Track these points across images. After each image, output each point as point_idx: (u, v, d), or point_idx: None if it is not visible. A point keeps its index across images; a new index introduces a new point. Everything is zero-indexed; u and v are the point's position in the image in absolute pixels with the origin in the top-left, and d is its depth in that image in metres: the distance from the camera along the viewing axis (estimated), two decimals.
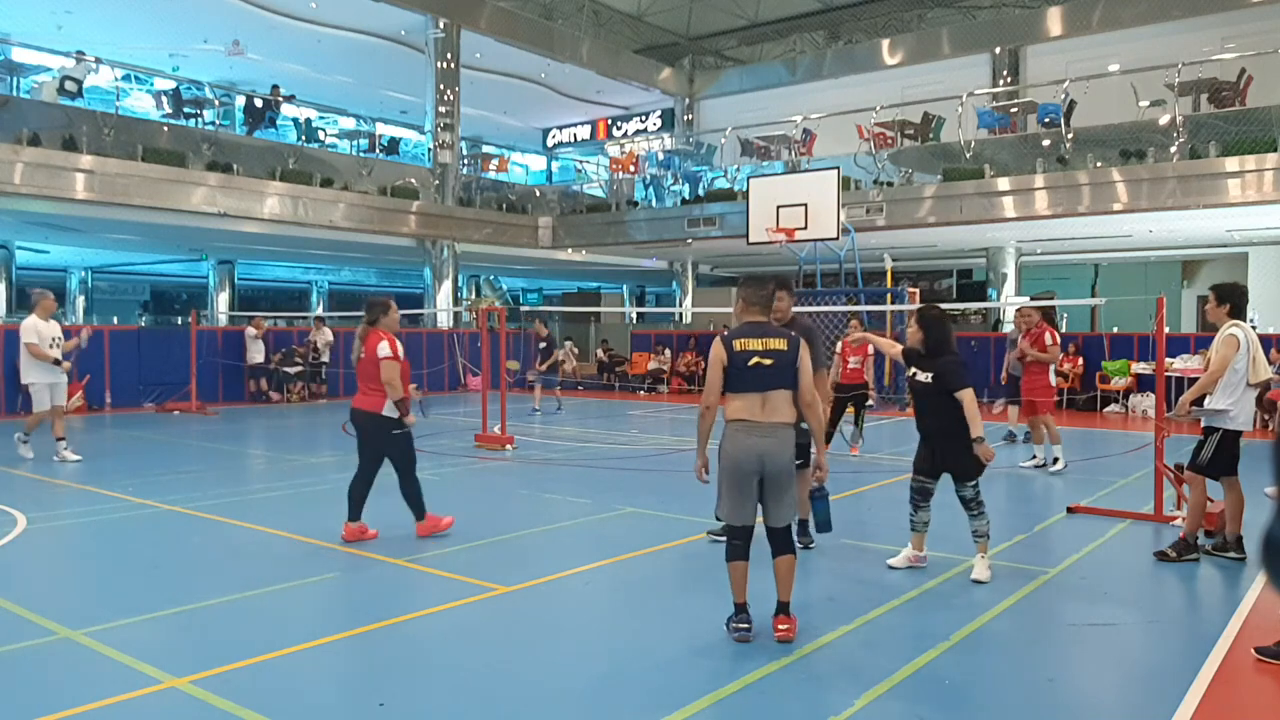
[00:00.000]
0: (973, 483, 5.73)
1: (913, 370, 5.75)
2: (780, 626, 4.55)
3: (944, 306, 6.22)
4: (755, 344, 4.57)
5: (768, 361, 4.54)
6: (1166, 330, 7.76)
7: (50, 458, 10.05)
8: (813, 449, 5.16)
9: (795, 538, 5.73)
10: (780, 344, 4.59)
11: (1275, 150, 14.53)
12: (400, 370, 6.52)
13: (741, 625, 4.55)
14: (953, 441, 5.62)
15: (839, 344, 11.58)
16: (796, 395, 4.62)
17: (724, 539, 4.78)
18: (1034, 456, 10.19)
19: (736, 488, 4.55)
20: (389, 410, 6.53)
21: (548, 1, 25.75)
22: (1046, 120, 17.72)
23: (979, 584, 5.56)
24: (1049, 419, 9.96)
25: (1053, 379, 10.22)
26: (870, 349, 11.26)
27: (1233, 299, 6.11)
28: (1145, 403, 16.16)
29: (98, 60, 18.52)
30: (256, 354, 17.61)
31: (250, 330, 17.66)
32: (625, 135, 30.22)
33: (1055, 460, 9.91)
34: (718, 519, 4.73)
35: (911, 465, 5.94)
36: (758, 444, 4.50)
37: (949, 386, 5.57)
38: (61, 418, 10.30)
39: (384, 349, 6.47)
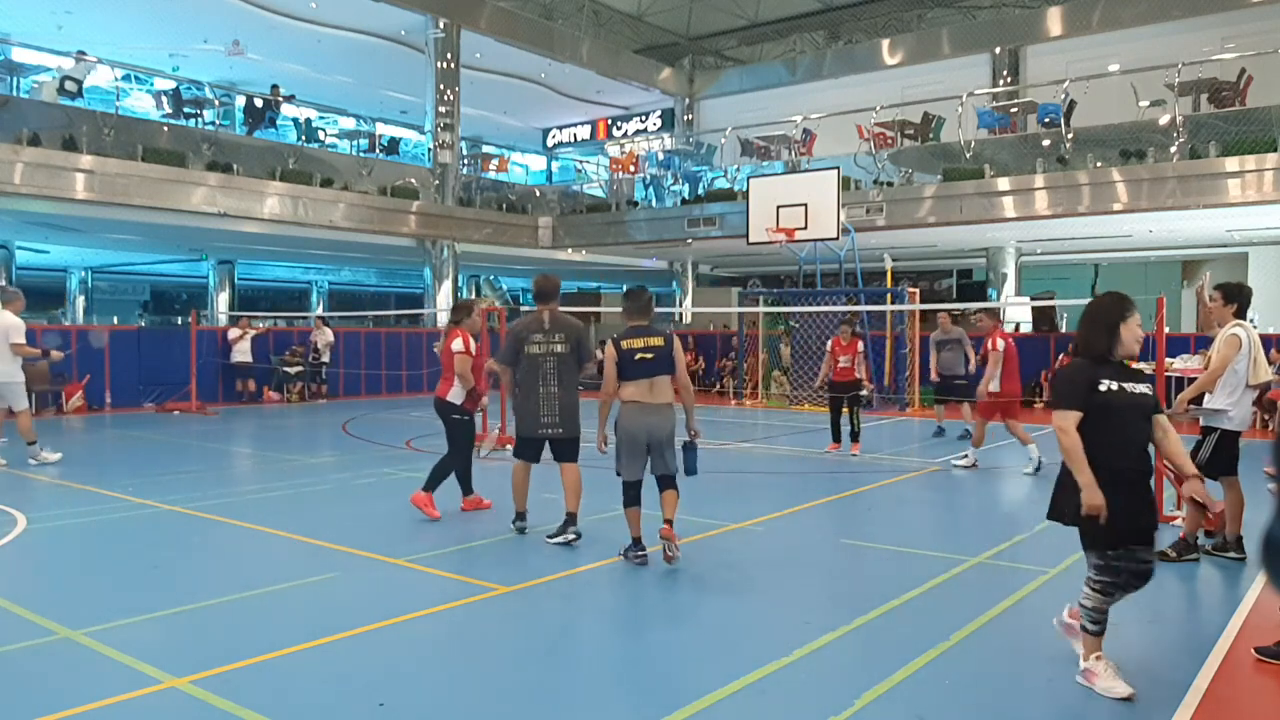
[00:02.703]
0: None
1: (1112, 383, 3.96)
2: (669, 535, 5.88)
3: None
4: (638, 342, 5.85)
5: (649, 355, 5.84)
6: (1166, 330, 7.76)
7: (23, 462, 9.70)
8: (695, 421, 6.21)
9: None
10: (658, 341, 5.89)
11: (1275, 150, 14.52)
12: (472, 364, 7.36)
13: (640, 554, 5.97)
14: (1147, 484, 4.00)
15: (829, 343, 11.60)
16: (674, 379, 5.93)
17: (570, 540, 6.38)
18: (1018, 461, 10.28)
19: (632, 454, 5.90)
20: (454, 396, 7.33)
21: (548, 1, 25.74)
22: (1046, 120, 17.71)
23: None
24: (982, 421, 10.22)
25: (995, 385, 9.88)
26: (860, 346, 11.27)
27: (1238, 298, 6.10)
28: None
29: (99, 60, 18.49)
30: (240, 354, 17.58)
31: (234, 331, 17.66)
32: (625, 135, 30.20)
33: (966, 456, 10.27)
34: (618, 474, 5.99)
35: (1109, 536, 3.89)
36: (647, 420, 5.85)
37: (1157, 406, 4.09)
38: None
39: (456, 344, 7.31)
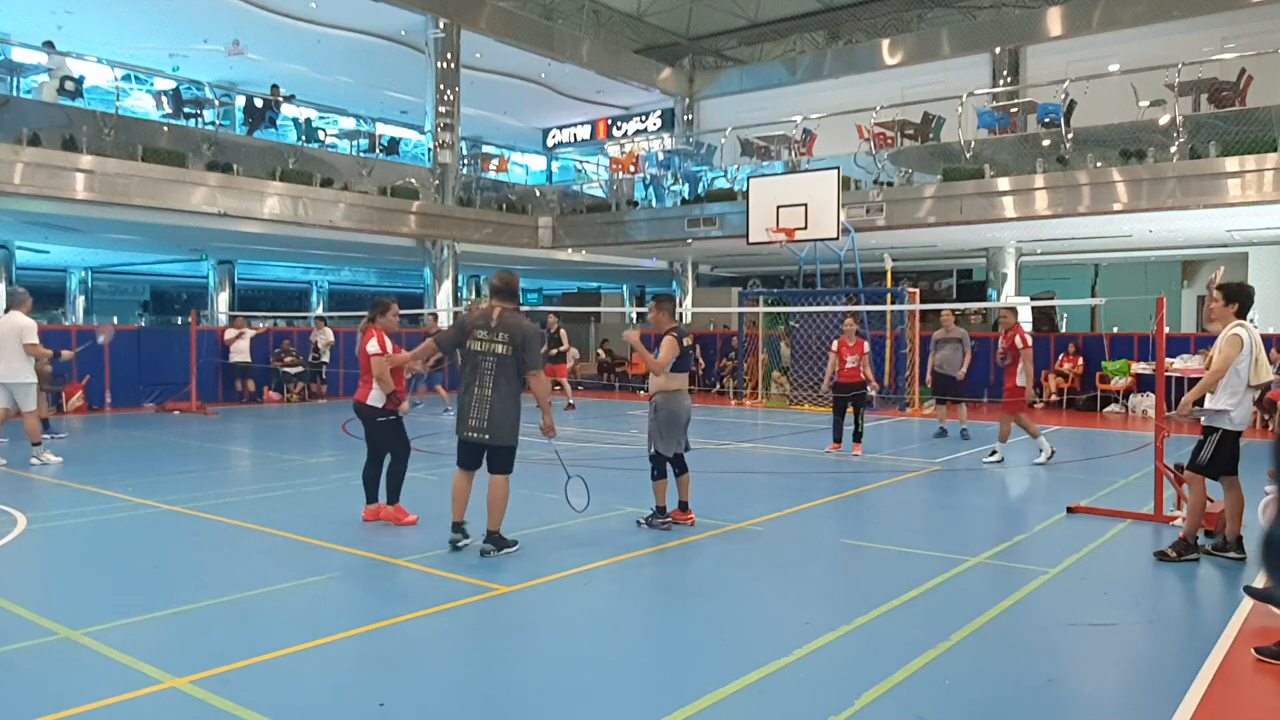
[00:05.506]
0: None
1: None
2: (685, 517, 7.09)
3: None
4: (688, 339, 7.10)
5: (692, 351, 7.18)
6: (1166, 330, 7.76)
7: (25, 462, 9.77)
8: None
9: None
10: (691, 339, 7.17)
11: (1275, 150, 14.51)
12: (389, 365, 7.09)
13: (666, 521, 7.01)
14: None
15: (834, 343, 11.60)
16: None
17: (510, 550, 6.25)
18: (993, 452, 10.70)
19: (680, 431, 6.96)
20: (374, 399, 7.14)
21: (548, 1, 25.74)
22: (1046, 120, 17.71)
23: None
24: (1020, 417, 10.51)
25: (1020, 379, 10.43)
26: (866, 347, 11.31)
27: (1240, 298, 6.08)
28: (1145, 403, 16.16)
29: (72, 55, 18.39)
30: (238, 354, 17.58)
31: (230, 331, 17.66)
32: (625, 135, 30.19)
33: (995, 457, 10.58)
34: (656, 452, 6.94)
35: None
36: (689, 404, 7.07)
37: None
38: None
39: (372, 346, 7.10)
